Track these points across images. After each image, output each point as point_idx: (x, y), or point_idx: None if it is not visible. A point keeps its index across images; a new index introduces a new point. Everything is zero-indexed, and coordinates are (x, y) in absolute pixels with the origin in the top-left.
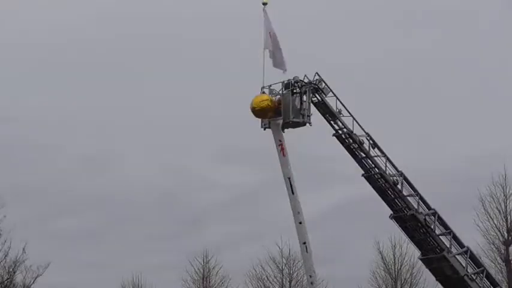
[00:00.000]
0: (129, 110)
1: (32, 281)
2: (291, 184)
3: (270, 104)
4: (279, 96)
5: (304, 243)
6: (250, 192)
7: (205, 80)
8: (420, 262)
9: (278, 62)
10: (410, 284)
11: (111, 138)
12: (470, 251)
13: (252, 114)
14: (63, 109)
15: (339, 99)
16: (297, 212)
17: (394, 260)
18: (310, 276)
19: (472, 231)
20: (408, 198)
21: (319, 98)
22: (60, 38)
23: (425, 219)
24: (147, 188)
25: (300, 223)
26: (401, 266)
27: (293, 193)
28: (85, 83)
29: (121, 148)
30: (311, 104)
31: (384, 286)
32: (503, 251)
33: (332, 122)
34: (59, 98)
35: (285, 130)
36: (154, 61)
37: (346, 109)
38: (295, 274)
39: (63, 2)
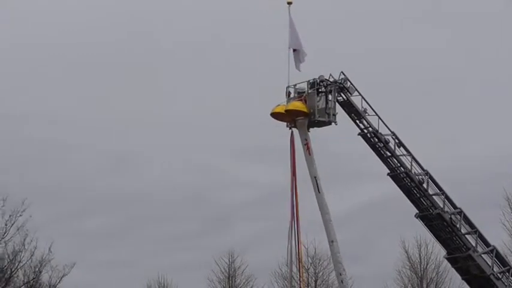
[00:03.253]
0: (155, 109)
1: (58, 281)
2: (317, 183)
3: (305, 111)
4: (304, 95)
5: (332, 241)
6: (277, 191)
7: (233, 79)
8: (446, 261)
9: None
10: (436, 283)
11: (138, 138)
12: (496, 250)
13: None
14: (89, 109)
15: (364, 99)
16: (324, 210)
17: (420, 259)
18: (340, 274)
19: (498, 230)
20: (434, 197)
21: (344, 97)
22: (81, 37)
23: (451, 218)
24: (173, 187)
25: (330, 221)
26: (427, 265)
27: (319, 191)
28: (113, 83)
29: (148, 147)
30: (336, 103)
31: (409, 285)
32: None
33: (357, 121)
34: (86, 98)
35: (310, 129)
36: (181, 62)
37: (372, 108)
38: (320, 273)
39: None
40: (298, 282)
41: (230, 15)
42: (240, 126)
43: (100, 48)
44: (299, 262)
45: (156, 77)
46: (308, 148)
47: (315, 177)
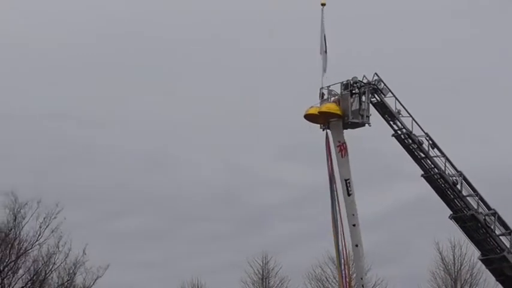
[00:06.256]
0: (192, 109)
1: (92, 283)
2: (347, 186)
3: (339, 113)
4: (337, 96)
5: (357, 245)
6: (312, 192)
7: (267, 79)
8: (480, 262)
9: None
10: (470, 285)
11: (173, 137)
12: None
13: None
14: (124, 108)
15: (398, 100)
16: (351, 213)
17: (454, 260)
18: (361, 279)
19: None
20: (468, 198)
21: (378, 98)
22: (112, 38)
23: (485, 219)
24: (208, 187)
25: (354, 225)
26: (461, 266)
27: (349, 195)
28: (149, 82)
29: (182, 148)
30: (370, 105)
31: (443, 286)
32: None
33: (391, 122)
34: (119, 98)
35: (344, 130)
36: (207, 61)
37: (405, 109)
38: (354, 275)
39: None
40: (343, 282)
41: (260, 15)
42: (276, 125)
43: (133, 48)
44: (345, 262)
45: (187, 77)
46: (341, 150)
47: (346, 179)
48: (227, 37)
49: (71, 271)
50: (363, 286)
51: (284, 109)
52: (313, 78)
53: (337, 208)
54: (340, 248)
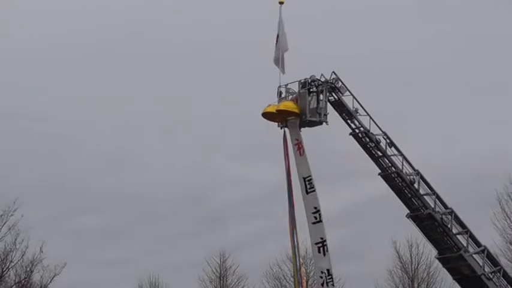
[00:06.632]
0: (151, 109)
1: (49, 280)
2: (305, 184)
3: (297, 111)
4: (295, 95)
5: (317, 243)
6: (271, 190)
7: (225, 79)
8: (437, 261)
9: (281, 61)
10: (427, 283)
11: (133, 136)
12: (487, 250)
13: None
14: (84, 106)
15: (355, 98)
16: (310, 212)
17: (411, 259)
18: (321, 277)
19: (489, 230)
20: (425, 197)
21: (335, 97)
22: (83, 38)
23: (442, 218)
24: (168, 186)
25: (314, 223)
26: (418, 265)
27: (308, 193)
28: (112, 84)
29: (142, 146)
30: (328, 103)
31: (400, 285)
32: None
33: (349, 121)
34: (84, 97)
35: (302, 129)
36: (176, 61)
37: (363, 108)
38: (312, 273)
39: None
40: (298, 279)
41: (221, 14)
42: (235, 125)
43: (99, 48)
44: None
45: (153, 77)
46: (299, 148)
47: (305, 177)
48: (228, 38)
49: (28, 269)
50: (325, 284)
51: (244, 106)
52: (271, 76)
53: (293, 206)
54: (296, 245)
